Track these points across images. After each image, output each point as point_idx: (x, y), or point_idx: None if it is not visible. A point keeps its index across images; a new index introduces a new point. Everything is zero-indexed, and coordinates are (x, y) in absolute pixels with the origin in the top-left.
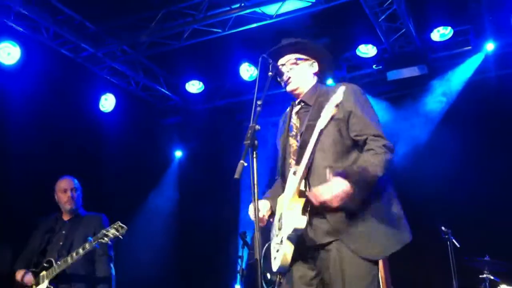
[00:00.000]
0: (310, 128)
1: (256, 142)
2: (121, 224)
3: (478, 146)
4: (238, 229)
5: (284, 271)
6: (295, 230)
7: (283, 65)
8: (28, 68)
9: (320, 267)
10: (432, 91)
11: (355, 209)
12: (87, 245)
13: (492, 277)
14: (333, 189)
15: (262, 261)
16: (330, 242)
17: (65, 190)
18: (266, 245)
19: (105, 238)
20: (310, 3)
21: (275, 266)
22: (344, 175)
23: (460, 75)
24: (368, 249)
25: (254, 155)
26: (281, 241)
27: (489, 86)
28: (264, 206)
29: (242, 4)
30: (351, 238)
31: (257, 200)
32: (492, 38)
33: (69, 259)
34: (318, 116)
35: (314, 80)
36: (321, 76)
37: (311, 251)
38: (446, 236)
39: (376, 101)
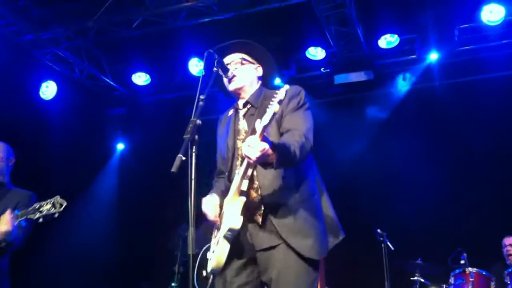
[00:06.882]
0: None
1: (196, 137)
2: (60, 200)
3: (418, 152)
4: (180, 225)
5: (217, 272)
6: (230, 229)
7: (229, 63)
8: None
9: (259, 270)
10: (377, 97)
11: (296, 209)
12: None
13: (422, 280)
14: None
15: (199, 259)
16: (274, 246)
17: None
18: (207, 246)
19: (37, 214)
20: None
21: (209, 267)
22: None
23: (405, 82)
24: (312, 249)
25: (194, 150)
26: (218, 242)
27: (432, 94)
28: (214, 202)
29: None
30: (294, 239)
31: (194, 195)
32: (436, 48)
33: None
34: None
35: (258, 83)
36: (264, 81)
37: (251, 254)
38: (381, 239)
39: (322, 103)
